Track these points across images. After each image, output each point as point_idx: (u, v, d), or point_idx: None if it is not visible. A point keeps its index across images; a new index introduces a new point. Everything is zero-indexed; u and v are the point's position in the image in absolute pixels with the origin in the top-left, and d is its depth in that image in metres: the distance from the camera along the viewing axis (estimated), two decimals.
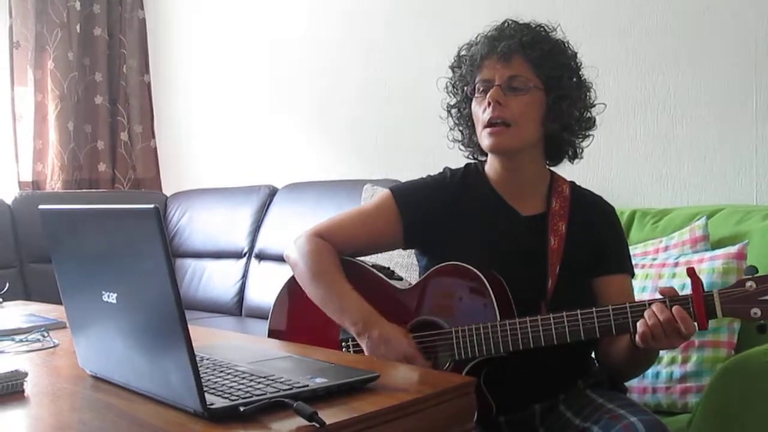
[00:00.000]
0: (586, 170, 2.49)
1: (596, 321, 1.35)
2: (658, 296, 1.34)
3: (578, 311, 1.37)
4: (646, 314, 1.30)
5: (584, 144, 1.59)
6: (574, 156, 1.59)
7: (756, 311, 1.27)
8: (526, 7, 2.62)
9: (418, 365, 1.37)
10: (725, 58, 2.26)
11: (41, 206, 1.22)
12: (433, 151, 2.77)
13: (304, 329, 1.61)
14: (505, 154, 1.54)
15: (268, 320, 1.67)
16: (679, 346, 1.34)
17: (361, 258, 1.65)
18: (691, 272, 1.31)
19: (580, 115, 1.54)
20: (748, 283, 1.28)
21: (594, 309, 1.36)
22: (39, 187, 3.89)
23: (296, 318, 1.64)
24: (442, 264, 1.50)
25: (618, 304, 1.35)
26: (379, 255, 1.83)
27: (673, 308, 1.29)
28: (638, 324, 1.31)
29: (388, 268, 1.64)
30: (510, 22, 1.54)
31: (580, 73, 1.55)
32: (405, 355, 1.38)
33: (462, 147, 1.65)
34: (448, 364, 1.45)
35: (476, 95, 1.53)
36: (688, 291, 1.31)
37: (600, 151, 2.48)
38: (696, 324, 1.29)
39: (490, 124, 1.49)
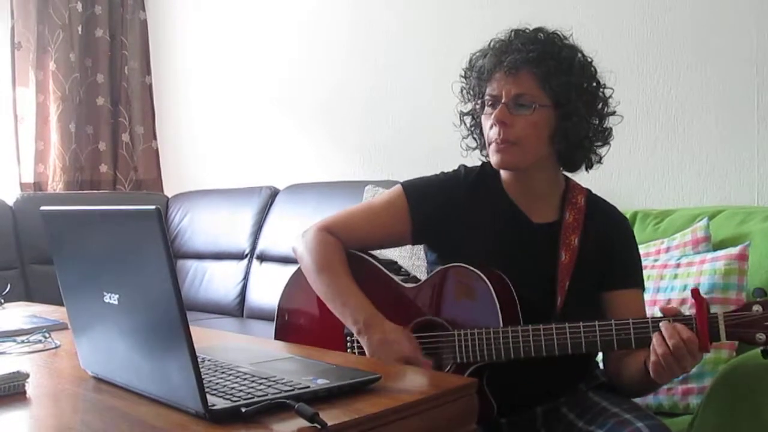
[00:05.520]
0: (588, 171, 2.49)
1: (598, 335, 1.34)
2: (660, 310, 1.33)
3: (581, 323, 1.35)
4: (654, 341, 1.28)
5: (602, 152, 1.55)
6: (590, 165, 1.56)
7: (761, 336, 1.25)
8: (532, 12, 2.63)
9: (418, 367, 1.37)
10: (727, 59, 2.26)
11: (43, 207, 1.22)
12: (434, 152, 2.77)
13: (312, 317, 1.61)
14: (512, 171, 1.53)
15: (278, 304, 1.66)
16: (689, 367, 1.29)
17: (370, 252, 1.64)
18: (696, 293, 1.28)
19: (596, 128, 1.51)
20: (755, 308, 1.25)
21: (596, 322, 1.35)
22: (40, 189, 3.89)
23: (305, 305, 1.63)
24: (448, 265, 1.49)
25: (621, 320, 1.34)
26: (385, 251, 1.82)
27: (680, 330, 1.26)
28: (650, 354, 1.29)
29: (396, 263, 1.64)
30: (519, 31, 1.49)
31: (596, 83, 1.50)
32: (405, 358, 1.38)
33: (479, 151, 1.62)
34: (449, 367, 1.44)
35: (485, 110, 1.51)
36: (688, 296, 1.30)
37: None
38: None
39: (495, 142, 1.48)
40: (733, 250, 1.84)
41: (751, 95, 2.21)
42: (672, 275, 1.86)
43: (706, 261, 1.84)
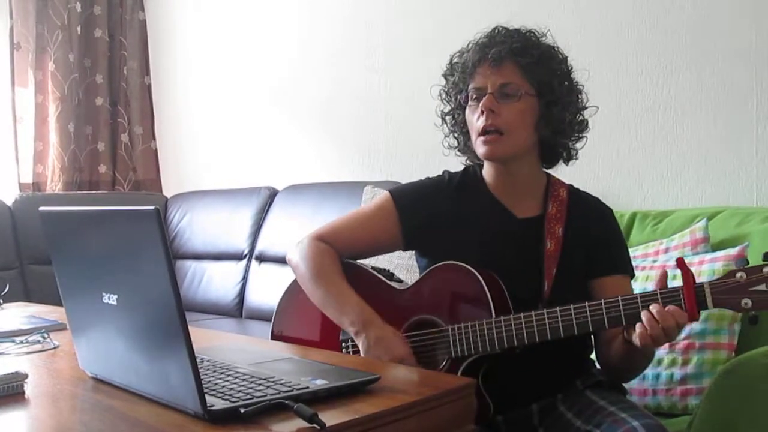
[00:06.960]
0: (587, 172, 2.49)
1: (589, 315, 1.36)
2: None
3: (571, 306, 1.38)
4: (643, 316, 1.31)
5: (578, 146, 1.61)
6: (569, 158, 1.61)
7: (747, 302, 1.28)
8: (526, 9, 2.64)
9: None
10: (726, 59, 2.26)
11: (41, 208, 1.22)
12: (433, 152, 2.75)
13: (307, 328, 1.63)
14: (499, 161, 1.56)
15: (273, 317, 1.69)
16: (676, 337, 1.34)
17: (361, 260, 1.66)
18: (681, 263, 1.32)
19: (573, 118, 1.56)
20: (739, 274, 1.28)
21: (587, 303, 1.37)
22: (39, 189, 3.89)
23: (300, 316, 1.66)
24: (439, 263, 1.52)
25: (610, 298, 1.36)
26: (380, 257, 1.84)
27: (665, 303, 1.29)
28: (637, 326, 1.31)
29: (388, 270, 1.66)
30: (500, 28, 1.55)
31: (571, 77, 1.57)
32: (398, 357, 1.40)
33: (458, 153, 1.67)
34: (444, 362, 1.45)
35: (469, 103, 1.55)
36: None
37: (601, 152, 2.48)
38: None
39: (484, 132, 1.51)
40: (732, 251, 1.84)
41: (750, 95, 2.21)
42: (671, 276, 1.86)
43: (704, 262, 1.85)
